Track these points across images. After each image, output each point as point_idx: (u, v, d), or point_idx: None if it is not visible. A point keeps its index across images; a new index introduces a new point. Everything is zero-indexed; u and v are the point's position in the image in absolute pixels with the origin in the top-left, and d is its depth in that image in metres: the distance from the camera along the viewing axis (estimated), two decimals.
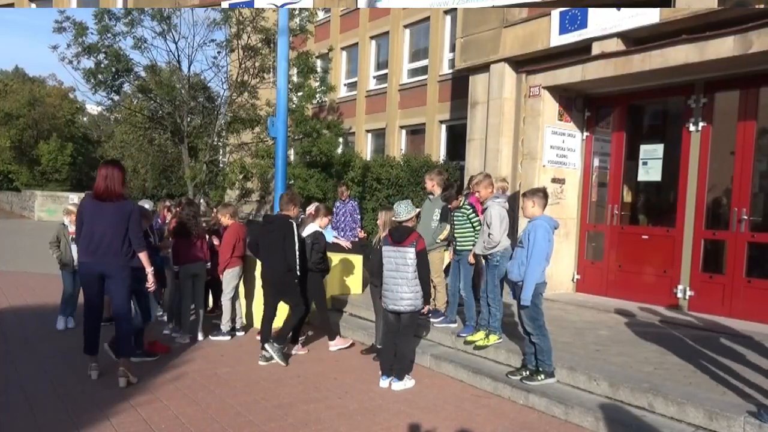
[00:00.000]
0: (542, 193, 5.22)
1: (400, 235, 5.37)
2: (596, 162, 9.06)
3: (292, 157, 18.04)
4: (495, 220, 5.68)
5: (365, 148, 18.13)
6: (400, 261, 5.31)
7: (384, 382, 5.41)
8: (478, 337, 5.97)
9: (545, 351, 5.14)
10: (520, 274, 5.10)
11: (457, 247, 6.45)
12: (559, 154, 8.99)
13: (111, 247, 5.11)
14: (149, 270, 5.34)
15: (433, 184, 6.91)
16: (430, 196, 7.08)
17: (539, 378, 5.12)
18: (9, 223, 28.71)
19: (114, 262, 5.13)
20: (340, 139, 18.42)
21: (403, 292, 5.30)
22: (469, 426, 4.56)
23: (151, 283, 5.40)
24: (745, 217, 7.17)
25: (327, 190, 16.17)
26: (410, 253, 5.25)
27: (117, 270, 5.16)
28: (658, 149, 8.16)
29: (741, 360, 5.50)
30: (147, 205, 7.43)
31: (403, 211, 5.40)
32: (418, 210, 5.57)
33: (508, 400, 5.13)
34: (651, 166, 8.21)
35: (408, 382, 5.42)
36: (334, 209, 9.98)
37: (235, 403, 4.87)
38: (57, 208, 31.87)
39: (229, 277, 7.10)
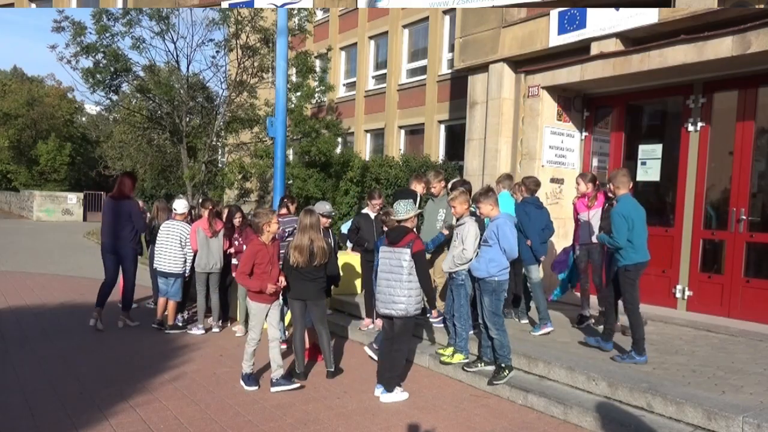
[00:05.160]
0: (492, 193, 5.54)
1: (396, 235, 5.17)
2: (595, 162, 9.07)
3: (290, 157, 18.03)
4: (470, 237, 5.50)
5: (364, 148, 18.13)
6: (394, 263, 5.12)
7: (378, 390, 5.21)
8: (448, 352, 5.99)
9: (504, 345, 5.30)
10: (488, 271, 5.29)
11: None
12: (558, 154, 9.00)
13: (120, 231, 7.27)
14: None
15: (439, 186, 6.94)
16: (432, 198, 7.07)
17: (504, 374, 5.28)
18: (8, 223, 28.66)
19: (121, 244, 7.31)
20: (339, 139, 18.40)
21: (396, 296, 5.09)
22: (468, 426, 4.56)
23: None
24: (744, 217, 7.17)
25: (326, 190, 16.17)
26: (405, 254, 5.06)
27: (124, 248, 7.33)
28: (657, 149, 8.17)
29: (739, 360, 5.51)
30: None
31: (402, 209, 5.17)
32: (419, 210, 5.41)
33: (506, 400, 5.13)
34: (650, 166, 8.22)
35: (399, 395, 5.09)
36: None
37: (234, 403, 4.87)
38: (55, 208, 31.83)
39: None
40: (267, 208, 5.66)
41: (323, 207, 6.47)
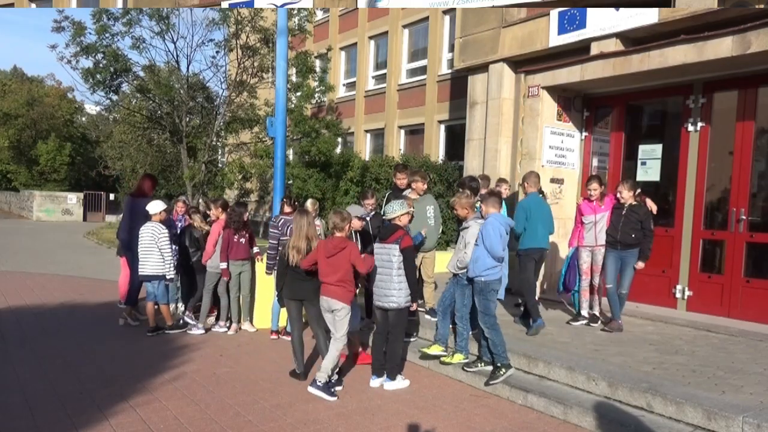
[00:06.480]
0: (496, 197, 5.80)
1: (386, 232, 5.47)
2: (595, 162, 9.07)
3: (290, 157, 18.04)
4: (472, 240, 5.57)
5: (364, 148, 18.15)
6: (385, 258, 5.38)
7: (374, 382, 5.44)
8: (433, 350, 5.97)
9: (498, 344, 5.37)
10: (474, 271, 5.44)
11: None
12: (558, 154, 9.00)
13: (134, 229, 7.29)
14: None
15: (423, 184, 7.01)
16: (414, 196, 6.97)
17: (501, 373, 5.32)
18: (7, 223, 28.66)
19: (134, 241, 7.24)
20: (339, 139, 18.42)
21: (388, 289, 5.34)
22: (468, 426, 4.56)
23: None
24: (744, 217, 7.17)
25: (326, 190, 16.19)
26: (395, 250, 5.31)
27: (135, 245, 7.20)
28: (657, 149, 8.17)
29: (739, 360, 5.51)
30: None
31: (389, 209, 5.53)
32: (410, 209, 5.55)
33: (506, 400, 5.14)
34: (650, 166, 8.21)
35: (401, 383, 5.42)
36: None
37: (234, 404, 4.87)
38: (55, 208, 31.81)
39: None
40: (346, 213, 5.59)
41: (357, 210, 6.53)
